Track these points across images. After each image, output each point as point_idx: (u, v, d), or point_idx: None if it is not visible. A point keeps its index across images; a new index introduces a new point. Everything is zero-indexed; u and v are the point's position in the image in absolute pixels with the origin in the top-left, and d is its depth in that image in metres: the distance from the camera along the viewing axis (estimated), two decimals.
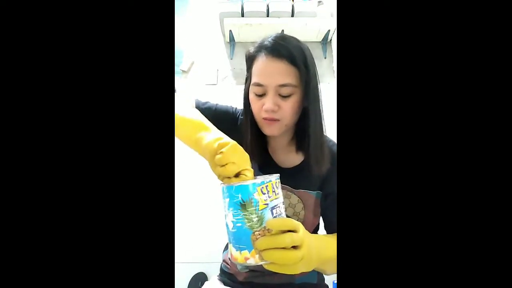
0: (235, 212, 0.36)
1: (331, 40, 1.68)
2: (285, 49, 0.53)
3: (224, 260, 0.74)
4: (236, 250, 0.37)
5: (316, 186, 0.62)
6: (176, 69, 1.64)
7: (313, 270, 0.67)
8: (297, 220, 0.62)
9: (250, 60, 0.58)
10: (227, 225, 0.38)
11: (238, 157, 0.41)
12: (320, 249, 0.43)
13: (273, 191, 0.37)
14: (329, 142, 0.64)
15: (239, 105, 0.67)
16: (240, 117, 0.67)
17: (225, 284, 0.70)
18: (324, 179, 0.62)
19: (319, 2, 1.63)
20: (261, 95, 0.55)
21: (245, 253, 0.36)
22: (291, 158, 0.63)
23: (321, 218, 0.67)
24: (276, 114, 0.54)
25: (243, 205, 0.36)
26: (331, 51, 1.68)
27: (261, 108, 0.55)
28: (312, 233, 0.64)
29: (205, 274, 1.43)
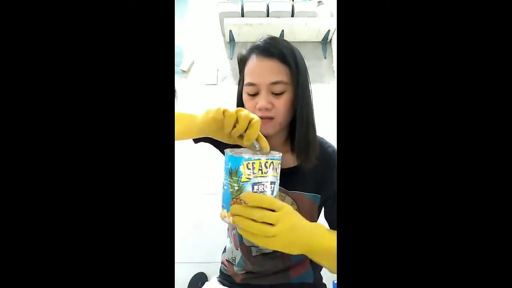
0: (225, 177, 0.41)
1: (331, 40, 1.68)
2: (275, 48, 0.55)
3: (222, 262, 0.74)
4: (221, 207, 0.42)
5: (311, 189, 0.62)
6: (176, 69, 1.64)
7: (310, 270, 0.67)
8: None
9: (242, 62, 0.60)
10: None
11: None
12: (312, 235, 0.43)
13: (259, 169, 0.40)
14: (325, 144, 0.64)
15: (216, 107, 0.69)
16: None
17: (223, 285, 0.70)
18: (321, 182, 0.62)
19: (319, 2, 1.63)
20: (254, 95, 0.57)
21: (224, 212, 0.41)
22: (286, 159, 0.63)
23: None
24: (270, 112, 0.55)
25: (230, 173, 0.40)
26: (331, 51, 1.68)
27: (255, 108, 0.56)
28: None
29: (205, 274, 1.43)
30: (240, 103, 0.61)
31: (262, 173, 0.40)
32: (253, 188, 0.39)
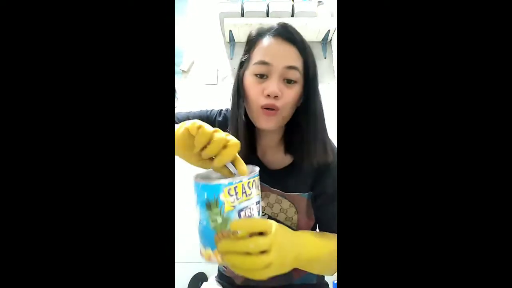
0: (201, 210, 0.35)
1: (331, 40, 1.68)
2: (297, 35, 0.52)
3: None
4: (202, 246, 0.35)
5: (307, 188, 0.59)
6: (176, 69, 1.64)
7: None
8: (290, 225, 0.60)
9: (251, 42, 0.54)
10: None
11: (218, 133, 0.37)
12: (300, 248, 0.40)
13: (243, 192, 0.34)
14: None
15: (216, 106, 0.66)
16: (217, 119, 0.64)
17: (223, 286, 0.69)
18: (316, 180, 0.58)
19: (319, 2, 1.63)
20: (262, 76, 0.50)
21: (209, 251, 0.34)
22: (280, 159, 0.60)
23: None
24: (278, 101, 0.49)
25: (208, 205, 0.34)
26: (331, 51, 1.68)
27: (262, 94, 0.49)
28: None
29: (205, 274, 1.43)
30: (239, 89, 0.54)
31: (246, 195, 0.34)
32: (239, 216, 0.34)
